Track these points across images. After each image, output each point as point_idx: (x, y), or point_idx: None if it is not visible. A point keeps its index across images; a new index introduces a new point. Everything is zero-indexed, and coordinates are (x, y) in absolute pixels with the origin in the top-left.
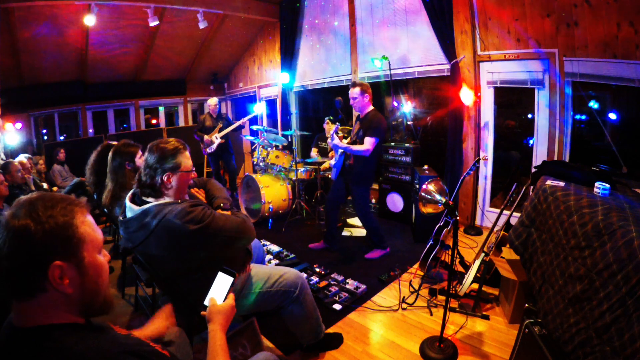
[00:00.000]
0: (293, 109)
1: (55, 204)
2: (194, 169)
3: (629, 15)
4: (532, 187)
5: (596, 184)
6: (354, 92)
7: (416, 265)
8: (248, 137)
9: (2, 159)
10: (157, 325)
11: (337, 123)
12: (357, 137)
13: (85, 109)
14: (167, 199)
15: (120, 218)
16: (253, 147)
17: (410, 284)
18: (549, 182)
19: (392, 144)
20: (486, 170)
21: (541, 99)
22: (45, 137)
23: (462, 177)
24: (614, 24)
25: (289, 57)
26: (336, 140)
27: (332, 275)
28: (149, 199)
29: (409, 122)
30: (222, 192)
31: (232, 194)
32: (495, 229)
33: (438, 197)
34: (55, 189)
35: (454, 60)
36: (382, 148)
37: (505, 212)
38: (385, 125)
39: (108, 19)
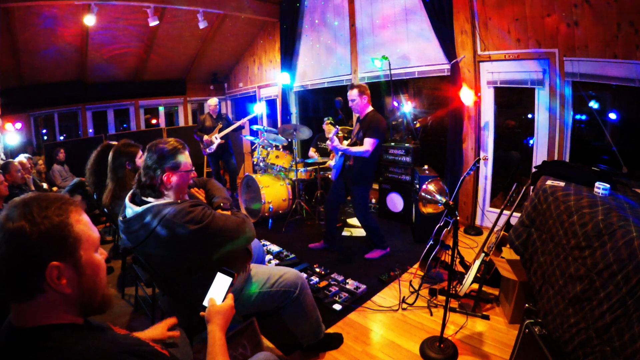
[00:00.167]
0: (293, 109)
1: (49, 204)
2: (193, 169)
3: (629, 15)
4: (532, 187)
5: (596, 184)
6: (352, 94)
7: (416, 266)
8: (248, 137)
9: (2, 159)
10: (157, 330)
11: (337, 126)
12: (357, 138)
13: (85, 109)
14: (167, 199)
15: (120, 218)
16: (253, 147)
17: (411, 284)
18: (549, 182)
19: (392, 144)
20: (486, 170)
21: (541, 99)
22: (45, 137)
23: (462, 177)
24: (614, 23)
25: (289, 57)
26: (336, 142)
27: (332, 275)
28: (149, 199)
29: (409, 122)
30: (222, 192)
31: (232, 194)
32: (496, 229)
33: (438, 197)
34: (55, 189)
35: (454, 60)
36: (382, 148)
37: (505, 212)
38: (385, 125)
39: (108, 18)
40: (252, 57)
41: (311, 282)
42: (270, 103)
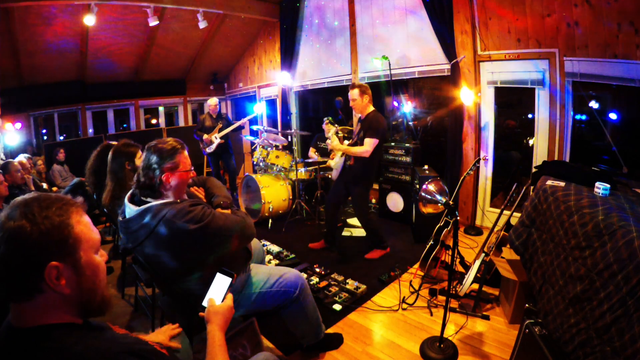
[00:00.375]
0: (293, 109)
1: (50, 204)
2: (192, 169)
3: (629, 15)
4: (532, 187)
5: (596, 184)
6: (353, 93)
7: (416, 266)
8: (248, 137)
9: (1, 159)
10: (159, 337)
11: (336, 125)
12: (358, 138)
13: (85, 109)
14: (166, 199)
15: (120, 218)
16: (253, 147)
17: (411, 284)
18: (549, 182)
19: (392, 144)
20: (486, 170)
21: (541, 98)
22: (45, 137)
23: (462, 177)
24: (615, 23)
25: (289, 57)
26: (336, 142)
27: (332, 276)
28: (148, 199)
29: (409, 122)
30: (221, 190)
31: (232, 194)
32: (496, 229)
33: (438, 197)
34: (55, 189)
35: (454, 60)
36: (382, 149)
37: (505, 212)
38: (386, 126)
39: (108, 18)
40: (252, 57)
41: (311, 282)
42: (270, 103)
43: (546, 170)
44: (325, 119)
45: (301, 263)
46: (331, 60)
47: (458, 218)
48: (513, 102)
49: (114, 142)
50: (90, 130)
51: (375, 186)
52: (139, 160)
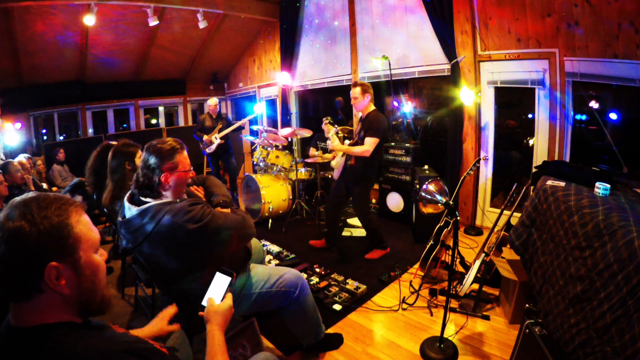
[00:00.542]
0: (293, 109)
1: (49, 204)
2: (191, 169)
3: (629, 15)
4: (532, 187)
5: (597, 184)
6: (355, 92)
7: (416, 266)
8: (248, 137)
9: (1, 159)
10: (157, 326)
11: (336, 125)
12: (359, 137)
13: (85, 109)
14: (165, 199)
15: (120, 218)
16: (253, 147)
17: (411, 284)
18: (549, 182)
19: (392, 144)
20: (486, 170)
21: (542, 98)
22: (45, 137)
23: (462, 177)
24: (615, 23)
25: (289, 57)
26: (336, 142)
27: (332, 276)
28: (147, 199)
29: (409, 122)
30: (221, 189)
31: (232, 194)
32: (496, 229)
33: (438, 197)
34: (55, 189)
35: (454, 60)
36: (383, 148)
37: (505, 212)
38: (387, 125)
39: (108, 18)
40: (252, 57)
41: (311, 282)
42: (270, 103)
43: (546, 170)
44: (325, 119)
45: (301, 263)
46: (331, 60)
47: (458, 218)
48: (513, 102)
49: (114, 142)
50: (90, 130)
51: (376, 186)
52: (139, 160)
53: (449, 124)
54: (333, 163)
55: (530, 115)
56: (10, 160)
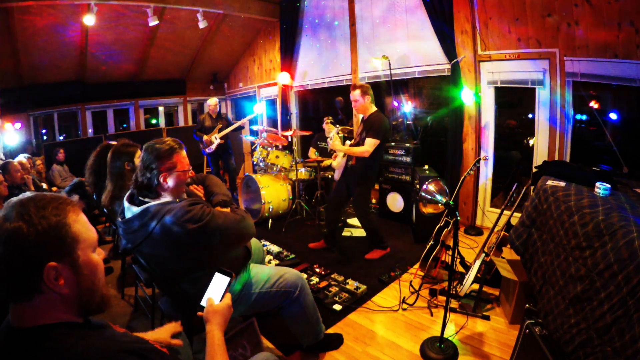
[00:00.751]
0: (293, 109)
1: (46, 204)
2: (190, 169)
3: (629, 15)
4: (532, 187)
5: (597, 184)
6: (355, 94)
7: (416, 266)
8: (248, 137)
9: (1, 159)
10: (159, 335)
11: (337, 125)
12: (360, 138)
13: (85, 109)
14: (164, 199)
15: (119, 219)
16: (253, 147)
17: (411, 285)
18: (549, 182)
19: (392, 144)
20: (487, 170)
21: (542, 98)
22: (45, 137)
23: (462, 177)
24: (615, 23)
25: (289, 57)
26: (337, 142)
27: (332, 276)
28: (147, 199)
29: (409, 122)
30: (221, 187)
31: (232, 194)
32: (496, 229)
33: (438, 197)
34: (54, 189)
35: (455, 60)
36: (384, 149)
37: (505, 212)
38: (388, 126)
39: (107, 18)
40: (252, 57)
41: (311, 283)
42: (270, 103)
43: (546, 170)
44: (326, 118)
45: (301, 263)
46: (331, 60)
47: (458, 218)
48: (513, 102)
49: (114, 142)
50: (90, 130)
51: (376, 186)
52: (138, 160)
53: (449, 124)
54: (334, 163)
55: (530, 115)
56: (10, 160)
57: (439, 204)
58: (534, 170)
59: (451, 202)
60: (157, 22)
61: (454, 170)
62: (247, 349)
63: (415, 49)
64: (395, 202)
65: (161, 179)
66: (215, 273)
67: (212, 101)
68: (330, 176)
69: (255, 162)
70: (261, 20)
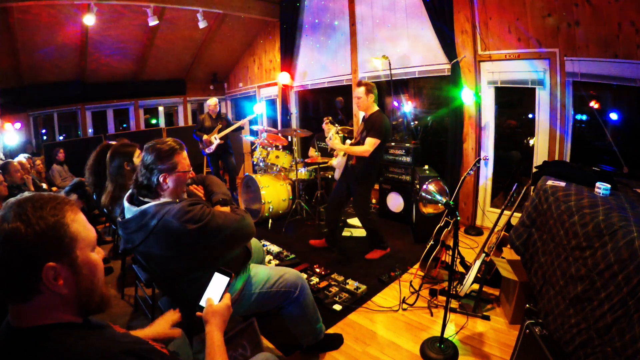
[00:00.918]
0: (293, 109)
1: (44, 204)
2: (190, 169)
3: (630, 14)
4: (532, 187)
5: (597, 184)
6: (359, 91)
7: (416, 266)
8: (248, 137)
9: (1, 159)
10: (158, 328)
11: (337, 125)
12: (361, 137)
13: (85, 108)
14: (165, 199)
15: (119, 219)
16: (253, 147)
17: (411, 285)
18: (549, 182)
19: (393, 144)
20: (487, 170)
21: (542, 98)
22: (45, 137)
23: (462, 177)
24: (615, 23)
25: (289, 57)
26: (337, 142)
27: (332, 276)
28: (147, 199)
29: (409, 122)
30: (221, 187)
31: (231, 194)
32: (496, 229)
33: (438, 197)
34: (54, 189)
35: (455, 60)
36: (384, 149)
37: (505, 212)
38: (389, 126)
39: (107, 18)
40: (252, 57)
41: (311, 283)
42: (270, 103)
43: (547, 170)
44: (326, 118)
45: (301, 263)
46: (331, 60)
47: (458, 218)
48: (513, 102)
49: (114, 142)
50: (90, 130)
51: (376, 186)
52: (138, 159)
53: (449, 123)
54: (334, 163)
55: (530, 115)
56: (10, 160)
57: (439, 204)
58: (534, 170)
59: (451, 202)
60: (157, 22)
61: (454, 170)
62: (247, 349)
63: (415, 49)
64: (395, 202)
65: (161, 179)
66: (215, 273)
67: (212, 101)
68: (330, 176)
69: (255, 162)
70: (261, 20)
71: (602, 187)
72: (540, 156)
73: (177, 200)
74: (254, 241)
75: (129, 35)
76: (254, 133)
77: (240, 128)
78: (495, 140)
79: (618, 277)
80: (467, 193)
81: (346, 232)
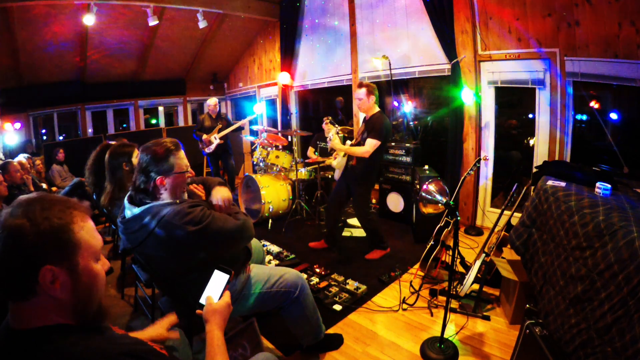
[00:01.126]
0: (293, 109)
1: (52, 205)
2: (188, 170)
3: (630, 14)
4: (533, 187)
5: (597, 184)
6: (360, 92)
7: (417, 266)
8: (248, 137)
9: (1, 159)
10: (156, 331)
11: (337, 125)
12: (361, 138)
13: (85, 108)
14: (165, 200)
15: (119, 219)
16: (253, 147)
17: (411, 285)
18: (550, 182)
19: (393, 144)
20: (487, 170)
21: (542, 98)
22: (45, 137)
23: (462, 177)
24: (615, 23)
25: (289, 57)
26: (337, 142)
27: (332, 276)
28: (147, 200)
29: (409, 122)
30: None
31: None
32: (496, 230)
33: (439, 197)
34: (54, 189)
35: (455, 60)
36: (384, 149)
37: (506, 212)
38: (389, 128)
39: (107, 18)
40: (252, 57)
41: (311, 283)
42: (270, 103)
43: (547, 170)
44: (326, 118)
45: (301, 263)
46: (331, 60)
47: (459, 218)
48: (513, 102)
49: (114, 142)
50: (90, 130)
51: (376, 186)
52: (136, 160)
53: (449, 123)
54: (334, 163)
55: (530, 115)
56: (10, 160)
57: (439, 204)
58: (534, 170)
59: (451, 202)
60: (157, 22)
61: (454, 170)
62: (247, 349)
63: (415, 48)
64: (395, 202)
65: (158, 182)
66: (215, 271)
67: (211, 101)
68: (330, 176)
69: (255, 162)
70: (261, 20)
71: (602, 187)
72: (540, 156)
73: (178, 201)
74: (254, 241)
75: (129, 35)
76: (254, 133)
77: (241, 128)
78: (495, 140)
79: (618, 277)
80: (467, 193)
81: (346, 232)
